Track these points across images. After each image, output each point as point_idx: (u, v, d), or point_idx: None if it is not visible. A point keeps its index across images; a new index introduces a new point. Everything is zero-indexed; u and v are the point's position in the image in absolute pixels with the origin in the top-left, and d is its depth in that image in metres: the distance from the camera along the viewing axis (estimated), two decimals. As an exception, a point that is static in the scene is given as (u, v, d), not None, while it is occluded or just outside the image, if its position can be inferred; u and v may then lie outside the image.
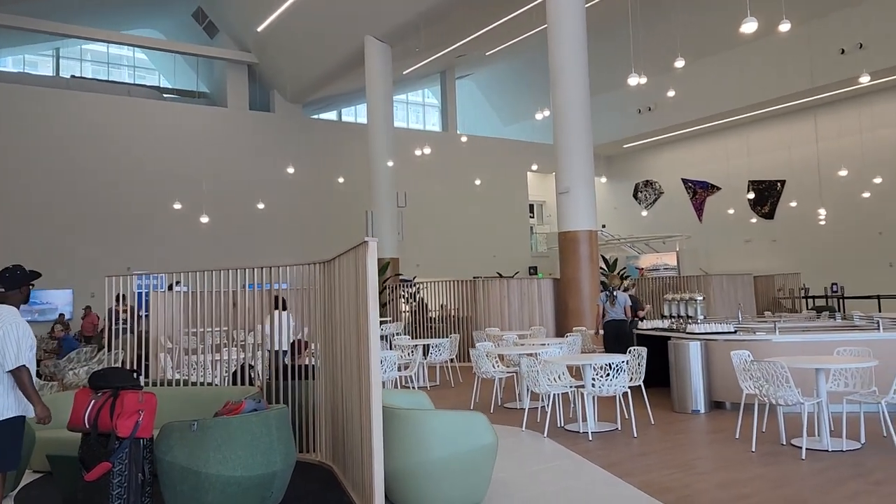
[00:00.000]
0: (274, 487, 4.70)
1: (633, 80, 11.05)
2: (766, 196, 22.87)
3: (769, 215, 22.78)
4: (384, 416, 4.37)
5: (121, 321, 7.58)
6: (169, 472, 4.59)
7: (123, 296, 6.71)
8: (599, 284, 13.95)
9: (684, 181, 25.03)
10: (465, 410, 4.92)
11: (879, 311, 17.02)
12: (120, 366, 8.54)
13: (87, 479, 4.22)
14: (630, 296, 10.77)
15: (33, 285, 4.51)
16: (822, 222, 20.63)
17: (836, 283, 20.78)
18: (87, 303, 18.21)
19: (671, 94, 15.91)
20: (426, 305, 16.09)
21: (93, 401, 4.35)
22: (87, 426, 4.31)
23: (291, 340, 7.20)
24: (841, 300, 19.53)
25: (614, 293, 10.51)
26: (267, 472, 4.60)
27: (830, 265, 21.37)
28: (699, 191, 25.17)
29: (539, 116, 13.14)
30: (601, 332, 10.41)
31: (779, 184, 22.29)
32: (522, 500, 4.77)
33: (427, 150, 18.22)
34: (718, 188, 23.99)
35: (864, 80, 13.22)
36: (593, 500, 4.74)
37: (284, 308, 7.68)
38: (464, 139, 22.66)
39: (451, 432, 4.56)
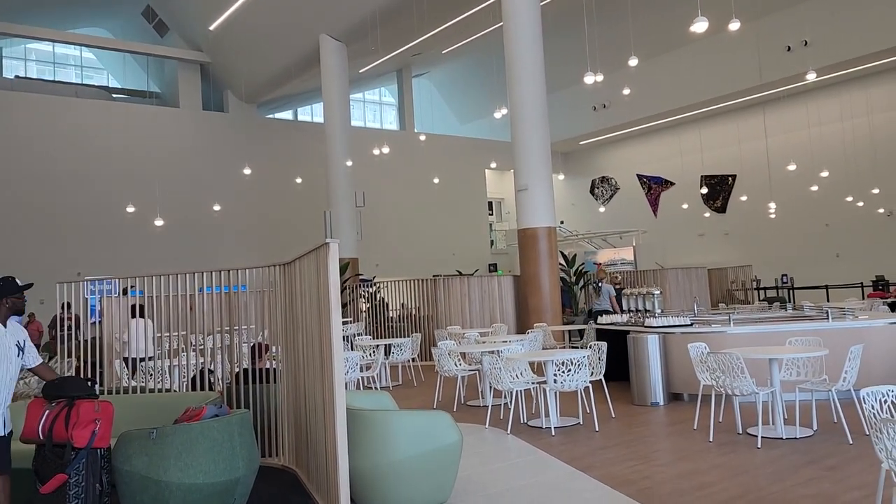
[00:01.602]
0: (237, 493, 4.64)
1: (590, 79, 11.18)
2: (718, 190, 23.37)
3: (721, 209, 23.29)
4: (348, 417, 4.35)
5: (65, 328, 7.40)
6: (128, 482, 4.49)
7: (69, 303, 6.58)
8: (559, 280, 14.18)
9: (639, 177, 25.42)
10: (429, 410, 4.92)
11: (828, 300, 17.60)
12: (73, 374, 8.32)
13: (43, 491, 4.11)
14: (616, 287, 11.24)
15: (21, 297, 4.38)
16: (773, 216, 21.21)
17: (785, 275, 21.38)
18: (36, 310, 17.66)
19: (626, 91, 16.16)
20: (386, 305, 16.04)
21: (47, 411, 4.23)
22: (42, 437, 4.19)
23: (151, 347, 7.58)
24: (791, 291, 20.11)
25: (599, 285, 11.46)
26: (230, 479, 4.53)
27: (780, 257, 22.01)
28: (654, 186, 25.55)
29: (498, 115, 13.22)
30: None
31: (730, 178, 22.80)
32: (487, 497, 4.80)
33: (385, 150, 18.18)
34: (673, 183, 24.42)
35: (811, 76, 13.61)
36: (556, 495, 4.79)
37: (143, 316, 8.02)
38: (422, 137, 22.66)
39: (415, 432, 4.56)
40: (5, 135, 19.30)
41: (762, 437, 5.83)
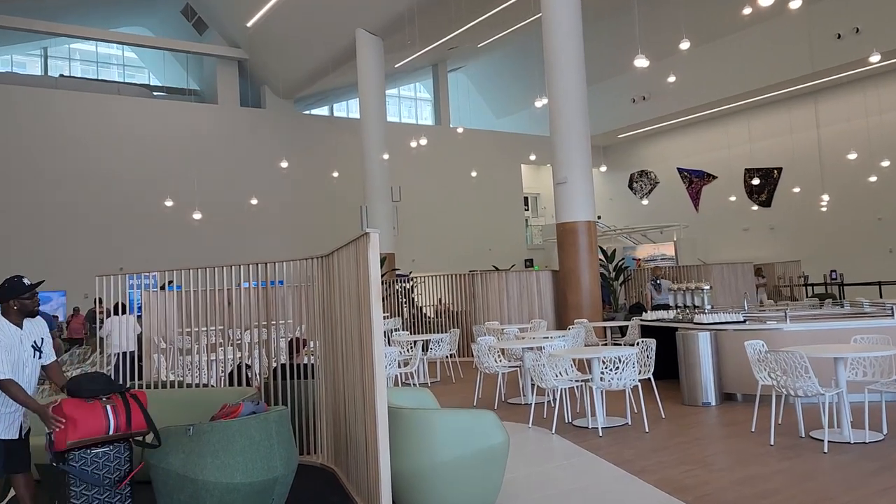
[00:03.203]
0: (275, 493, 4.47)
1: (640, 62, 10.81)
2: (763, 184, 22.69)
3: (766, 203, 22.60)
4: (389, 416, 4.14)
5: (97, 322, 7.37)
6: (164, 480, 4.35)
7: (100, 299, 6.54)
8: (599, 276, 13.88)
9: (680, 170, 24.82)
10: (474, 409, 4.69)
11: (881, 297, 16.88)
12: (113, 368, 8.31)
13: (120, 486, 4.11)
14: (668, 281, 12.89)
15: (31, 298, 4.18)
16: (824, 208, 20.49)
17: (834, 271, 20.64)
18: (81, 304, 17.90)
19: (672, 79, 15.65)
20: (414, 302, 15.79)
21: (108, 406, 4.08)
22: (121, 431, 4.09)
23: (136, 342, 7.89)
24: (841, 287, 19.39)
25: (658, 282, 12.84)
26: (268, 478, 4.36)
27: (829, 253, 21.24)
28: (695, 180, 24.92)
29: (538, 104, 12.92)
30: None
31: (775, 171, 22.10)
32: (537, 501, 4.55)
33: (423, 141, 18.00)
34: (715, 177, 23.77)
35: (874, 59, 12.94)
36: (610, 500, 4.52)
37: (124, 312, 8.42)
38: (460, 130, 22.39)
39: (460, 432, 4.33)
40: (50, 133, 19.60)
41: (828, 441, 5.47)
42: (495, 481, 4.39)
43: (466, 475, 4.28)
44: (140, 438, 4.27)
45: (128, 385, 6.58)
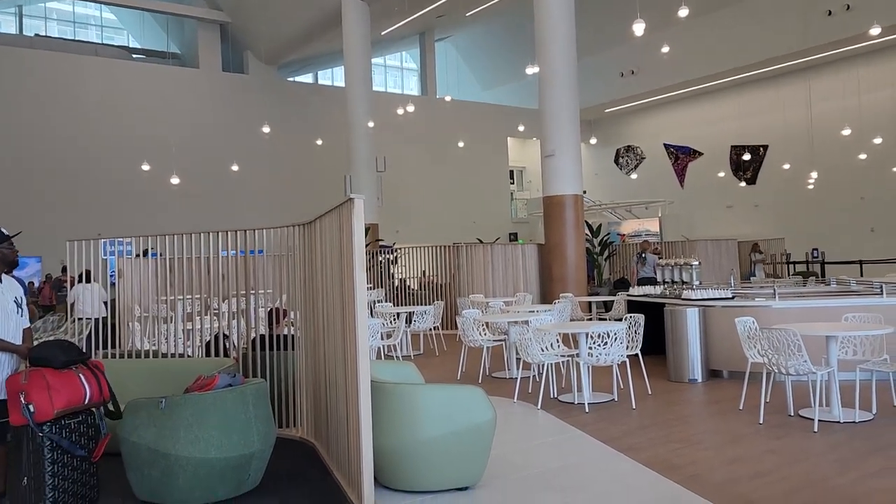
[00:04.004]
0: (252, 469, 4.30)
1: (638, 27, 10.59)
2: (749, 161, 22.61)
3: (752, 181, 22.54)
4: (372, 390, 3.96)
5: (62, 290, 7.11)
6: (134, 454, 4.16)
7: (65, 267, 6.31)
8: (585, 251, 13.80)
9: (666, 146, 24.66)
10: (461, 384, 4.53)
11: (861, 276, 16.93)
12: (84, 337, 8.06)
13: (97, 458, 4.00)
14: (658, 256, 12.95)
15: (11, 248, 3.99)
16: (811, 186, 20.48)
17: (816, 249, 20.71)
18: (56, 271, 17.50)
19: (665, 49, 15.38)
20: (392, 275, 15.57)
21: (81, 375, 3.92)
22: (102, 399, 4.01)
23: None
24: (822, 266, 19.46)
25: (643, 255, 12.89)
26: (244, 454, 4.19)
27: (811, 231, 21.32)
28: (681, 156, 24.75)
29: (529, 71, 12.66)
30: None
31: (761, 149, 22.02)
32: (521, 480, 4.42)
33: (410, 108, 17.69)
34: (701, 153, 23.63)
35: (875, 31, 12.74)
36: (599, 479, 4.40)
37: (89, 280, 8.36)
38: (448, 98, 22.03)
39: (445, 408, 4.16)
40: (24, 93, 19.01)
41: (818, 420, 5.38)
42: (481, 459, 4.24)
43: (451, 453, 4.13)
44: (107, 408, 4.11)
45: (100, 355, 6.37)
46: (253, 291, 6.30)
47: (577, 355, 6.64)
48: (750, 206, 23.32)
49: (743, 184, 21.48)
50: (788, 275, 18.99)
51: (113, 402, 4.13)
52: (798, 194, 21.64)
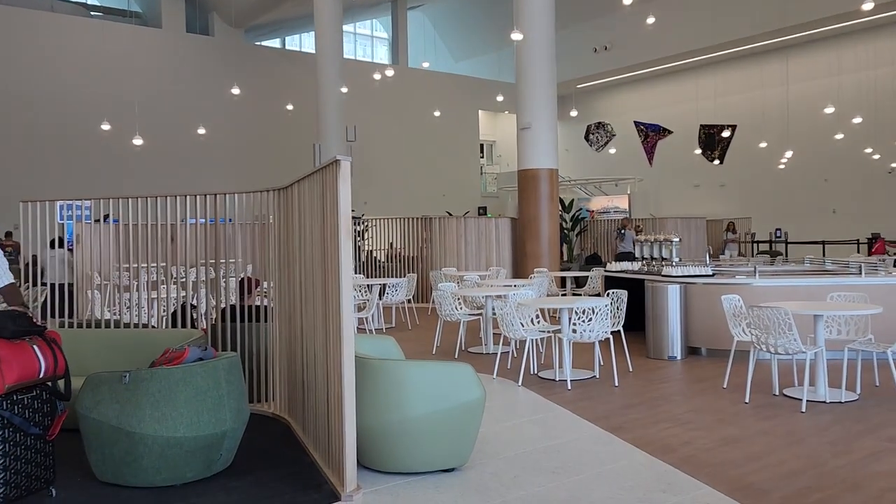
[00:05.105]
0: (223, 449, 4.02)
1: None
2: (717, 140, 22.66)
3: (720, 159, 22.63)
4: (355, 366, 3.70)
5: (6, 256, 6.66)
6: (95, 432, 3.85)
7: (8, 232, 5.88)
8: (559, 226, 13.67)
9: (636, 124, 24.59)
10: (449, 361, 4.30)
11: (824, 255, 17.15)
12: (39, 306, 7.63)
13: (53, 436, 3.69)
14: (636, 233, 13.22)
15: None
16: (783, 167, 20.64)
17: (779, 229, 20.94)
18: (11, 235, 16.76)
19: (651, 20, 15.19)
20: (359, 248, 15.22)
21: (35, 346, 3.59)
22: (57, 373, 3.70)
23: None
24: (786, 245, 19.70)
25: (623, 231, 13.64)
26: (216, 432, 3.91)
27: (774, 211, 21.56)
28: (651, 134, 24.71)
29: (514, 36, 12.28)
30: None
31: (730, 128, 22.10)
32: (508, 461, 4.22)
33: (389, 73, 17.24)
34: (670, 132, 23.63)
35: (867, 6, 12.67)
36: (591, 460, 4.22)
37: (61, 246, 8.70)
38: (426, 65, 21.52)
39: (433, 386, 3.93)
40: (-28, 48, 18.02)
41: (806, 400, 5.29)
42: (469, 439, 4.03)
43: (438, 432, 3.91)
44: (55, 387, 3.77)
45: (56, 324, 5.97)
46: (223, 261, 5.97)
47: (560, 331, 6.46)
48: (716, 186, 23.47)
49: (717, 161, 21.49)
50: (753, 254, 19.18)
51: (66, 379, 3.78)
52: (766, 175, 21.81)
